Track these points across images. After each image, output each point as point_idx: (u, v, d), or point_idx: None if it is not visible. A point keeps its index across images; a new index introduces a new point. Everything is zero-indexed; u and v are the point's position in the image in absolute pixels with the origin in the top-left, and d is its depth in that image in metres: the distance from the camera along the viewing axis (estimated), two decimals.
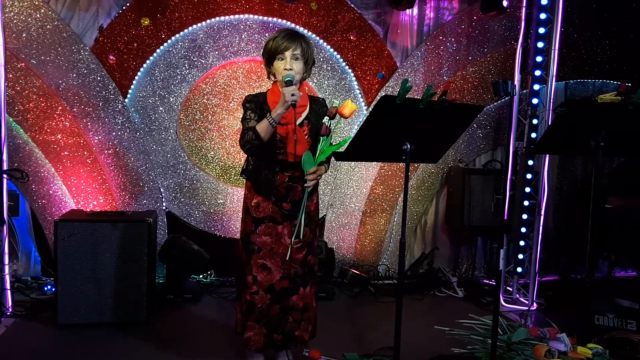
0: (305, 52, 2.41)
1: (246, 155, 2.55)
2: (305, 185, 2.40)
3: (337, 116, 2.35)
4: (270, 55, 2.41)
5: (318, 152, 2.38)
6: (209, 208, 4.17)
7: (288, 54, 2.36)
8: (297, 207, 2.44)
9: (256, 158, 2.47)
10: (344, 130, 4.27)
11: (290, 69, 2.35)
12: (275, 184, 2.45)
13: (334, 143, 2.46)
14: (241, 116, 2.49)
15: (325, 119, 2.36)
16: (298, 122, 2.41)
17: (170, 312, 3.50)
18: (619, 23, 4.62)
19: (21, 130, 3.75)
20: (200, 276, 4.15)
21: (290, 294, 2.50)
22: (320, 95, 4.14)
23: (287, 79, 2.29)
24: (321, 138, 2.37)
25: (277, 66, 2.39)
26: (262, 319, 2.48)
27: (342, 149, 2.33)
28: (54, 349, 2.90)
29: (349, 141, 2.18)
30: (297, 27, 4.12)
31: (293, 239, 2.45)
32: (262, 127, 2.31)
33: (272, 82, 2.52)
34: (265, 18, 4.09)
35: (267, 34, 4.09)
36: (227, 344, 3.00)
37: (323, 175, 2.55)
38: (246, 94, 2.54)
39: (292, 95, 2.22)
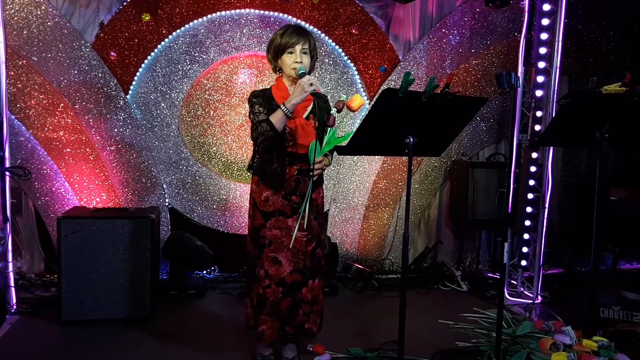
0: (312, 47, 2.49)
1: (252, 151, 2.57)
2: (311, 174, 2.44)
3: (344, 110, 2.39)
4: (279, 50, 2.46)
5: (325, 142, 2.42)
6: (212, 204, 4.16)
7: (298, 48, 2.43)
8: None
9: (264, 151, 2.47)
10: (347, 125, 4.25)
11: (300, 62, 2.42)
12: (285, 177, 2.47)
13: (339, 136, 2.49)
14: (245, 112, 2.51)
15: (333, 111, 2.39)
16: (304, 115, 2.47)
17: (174, 308, 3.50)
18: (624, 14, 4.58)
19: (23, 127, 3.75)
20: (204, 272, 4.15)
21: (300, 287, 2.53)
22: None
23: (301, 72, 2.37)
24: (328, 129, 2.41)
25: (286, 60, 2.45)
26: (275, 312, 2.51)
27: (345, 142, 2.35)
28: (58, 345, 2.91)
29: (351, 135, 2.18)
30: (299, 21, 4.10)
31: (296, 230, 2.46)
32: (277, 118, 2.35)
33: (277, 76, 2.57)
34: (267, 12, 4.06)
35: (268, 29, 4.07)
36: (231, 339, 3.00)
37: (327, 169, 2.57)
38: (250, 90, 2.57)
39: (311, 84, 2.29)
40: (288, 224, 2.49)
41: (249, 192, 2.61)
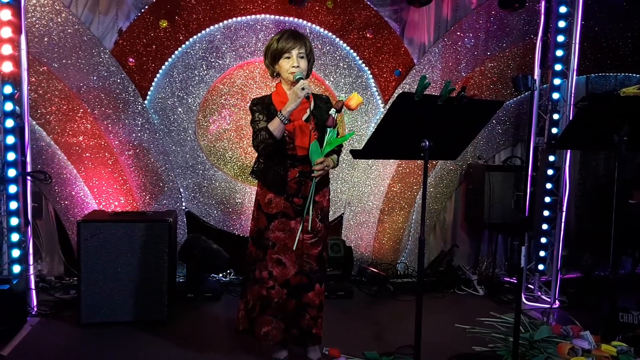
0: (309, 51, 2.53)
1: (257, 156, 2.61)
2: (313, 175, 2.45)
3: (343, 109, 2.42)
4: (276, 55, 2.49)
5: (325, 143, 2.44)
6: (228, 207, 4.19)
7: (295, 52, 2.47)
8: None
9: (265, 157, 2.50)
10: (361, 128, 4.26)
11: (297, 67, 2.45)
12: (287, 180, 2.50)
13: (339, 136, 2.51)
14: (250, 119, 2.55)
15: (332, 111, 2.42)
16: (304, 117, 2.50)
17: (190, 311, 3.54)
18: None
19: (44, 132, 3.82)
20: (220, 275, 4.18)
21: (306, 290, 2.54)
22: (336, 93, 4.16)
23: (297, 77, 2.41)
24: (328, 130, 2.43)
25: (284, 64, 2.48)
26: (279, 313, 2.52)
27: (346, 142, 2.37)
28: (77, 347, 2.96)
29: (351, 136, 2.19)
30: (314, 25, 4.12)
31: (300, 232, 2.47)
32: (274, 126, 2.39)
33: (277, 81, 2.61)
34: (282, 17, 4.09)
35: None
36: (248, 342, 3.01)
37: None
38: (254, 97, 2.61)
39: (303, 89, 2.33)
40: (291, 226, 2.51)
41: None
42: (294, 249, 2.48)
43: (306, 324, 2.55)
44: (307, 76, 2.53)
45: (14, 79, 3.22)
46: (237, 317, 2.66)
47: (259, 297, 2.53)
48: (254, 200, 4.13)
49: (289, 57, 2.46)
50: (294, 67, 2.45)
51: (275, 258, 2.51)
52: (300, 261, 2.52)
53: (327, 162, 2.48)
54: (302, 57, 2.48)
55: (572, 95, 3.76)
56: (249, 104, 2.56)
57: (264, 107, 2.51)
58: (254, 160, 4.14)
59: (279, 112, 2.39)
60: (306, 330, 2.56)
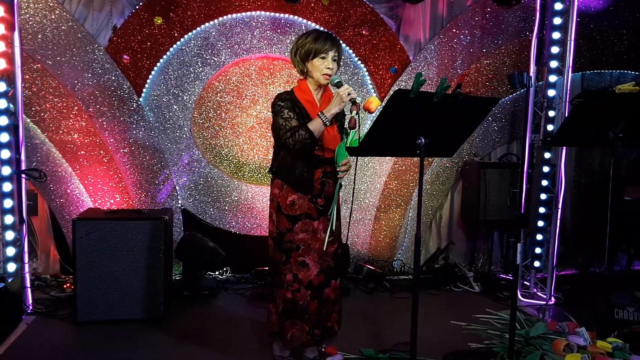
0: (340, 56, 2.56)
1: (274, 152, 2.60)
2: (339, 176, 2.50)
3: (362, 111, 2.42)
4: (312, 54, 2.48)
5: (348, 144, 2.46)
6: (224, 205, 4.19)
7: (331, 54, 2.49)
8: (331, 201, 2.53)
9: (294, 156, 2.49)
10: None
11: (331, 69, 2.49)
12: (312, 181, 2.50)
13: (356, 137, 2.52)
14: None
15: (353, 113, 2.42)
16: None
17: (187, 309, 3.53)
18: (636, 12, 4.54)
19: (38, 130, 3.80)
20: (216, 273, 4.17)
21: (324, 287, 2.56)
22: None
23: (337, 81, 2.44)
24: (350, 131, 2.45)
25: (318, 64, 2.49)
26: (304, 315, 2.53)
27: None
28: (73, 345, 2.95)
29: (363, 136, 2.21)
30: (309, 22, 4.12)
31: (328, 233, 2.51)
32: (316, 127, 2.40)
33: (301, 78, 2.59)
34: (277, 14, 4.08)
35: (278, 31, 4.09)
36: (245, 340, 3.02)
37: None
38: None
39: (349, 94, 2.35)
40: (314, 226, 2.52)
41: (269, 195, 2.61)
42: (325, 249, 2.50)
43: (324, 319, 2.58)
44: None
45: (8, 77, 3.20)
46: (270, 320, 2.65)
47: (285, 301, 2.53)
48: (250, 198, 4.20)
49: (324, 58, 2.47)
50: (328, 68, 2.47)
51: (300, 260, 2.51)
52: (321, 260, 2.54)
53: (350, 162, 2.52)
54: (335, 60, 2.50)
55: (568, 92, 3.77)
56: (273, 100, 2.52)
57: (292, 104, 2.49)
58: (250, 157, 4.21)
59: (321, 114, 2.39)
60: (324, 325, 2.58)
